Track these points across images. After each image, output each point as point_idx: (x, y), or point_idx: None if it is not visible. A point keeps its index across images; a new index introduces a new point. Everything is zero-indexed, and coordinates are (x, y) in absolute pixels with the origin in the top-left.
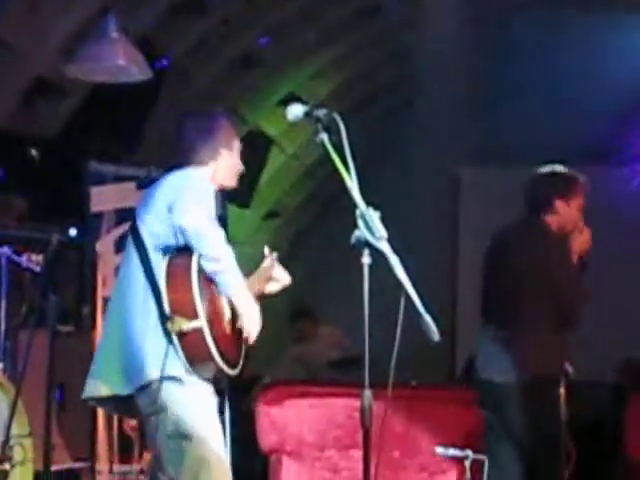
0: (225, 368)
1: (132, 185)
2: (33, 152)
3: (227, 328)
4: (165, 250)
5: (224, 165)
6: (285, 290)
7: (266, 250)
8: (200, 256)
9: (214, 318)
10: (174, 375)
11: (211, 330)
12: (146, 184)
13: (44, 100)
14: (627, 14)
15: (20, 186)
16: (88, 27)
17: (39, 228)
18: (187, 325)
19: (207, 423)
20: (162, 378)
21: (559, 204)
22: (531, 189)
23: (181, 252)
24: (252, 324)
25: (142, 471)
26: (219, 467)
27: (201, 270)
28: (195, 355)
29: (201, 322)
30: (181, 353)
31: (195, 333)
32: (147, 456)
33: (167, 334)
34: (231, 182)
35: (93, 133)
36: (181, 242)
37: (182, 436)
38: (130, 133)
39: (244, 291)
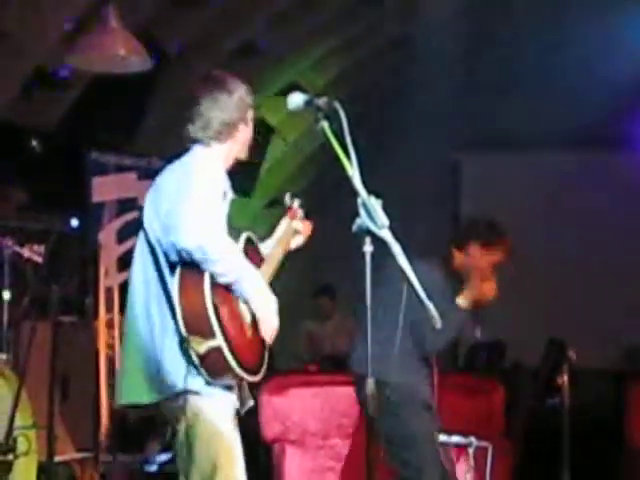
0: (247, 377)
1: (133, 175)
2: (34, 142)
3: (249, 331)
4: (175, 263)
5: (241, 138)
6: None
7: (287, 198)
8: (209, 272)
9: (233, 328)
10: (193, 389)
11: (230, 345)
12: (148, 174)
13: (45, 90)
14: None
15: (21, 177)
16: (88, 17)
17: (41, 219)
18: (204, 346)
19: (222, 436)
20: (184, 392)
21: (473, 249)
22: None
23: (192, 265)
24: (269, 326)
25: (146, 461)
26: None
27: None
28: (216, 371)
29: (218, 341)
30: (202, 370)
31: (214, 352)
32: (150, 446)
33: (185, 353)
34: (245, 154)
35: (94, 123)
36: (186, 258)
37: (193, 446)
38: (131, 123)
39: (260, 292)
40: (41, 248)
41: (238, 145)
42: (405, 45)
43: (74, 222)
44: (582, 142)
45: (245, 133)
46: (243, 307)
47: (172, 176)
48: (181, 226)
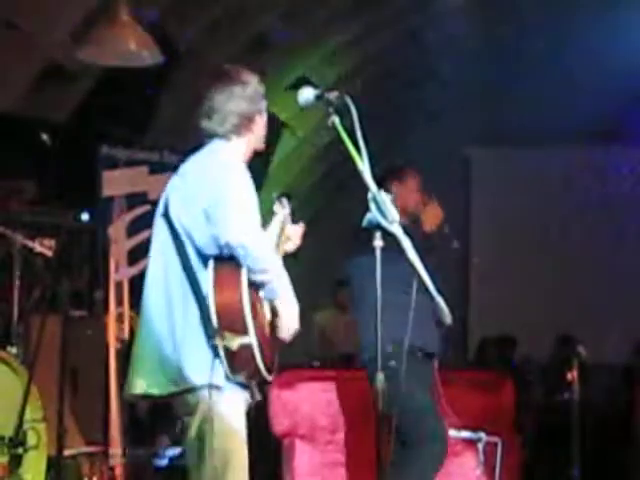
0: (267, 376)
1: (144, 169)
2: (44, 136)
3: (267, 331)
4: (207, 257)
5: (259, 130)
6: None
7: (276, 206)
8: (247, 269)
9: (258, 327)
10: (216, 384)
11: (260, 345)
12: (159, 168)
13: (55, 84)
14: None
15: (32, 171)
16: (99, 11)
17: (51, 213)
18: (237, 342)
19: (236, 432)
20: (204, 386)
21: (395, 185)
22: None
23: (227, 259)
24: (291, 327)
25: (155, 455)
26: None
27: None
28: (241, 369)
29: (251, 339)
30: (226, 365)
31: (244, 349)
32: (160, 440)
33: (213, 346)
34: (261, 144)
35: (104, 117)
36: (225, 252)
37: (211, 445)
38: (142, 117)
39: (289, 293)
40: (51, 242)
41: (256, 137)
42: (415, 41)
43: (85, 216)
44: (592, 137)
45: (261, 124)
46: (265, 307)
47: (200, 167)
48: (226, 221)
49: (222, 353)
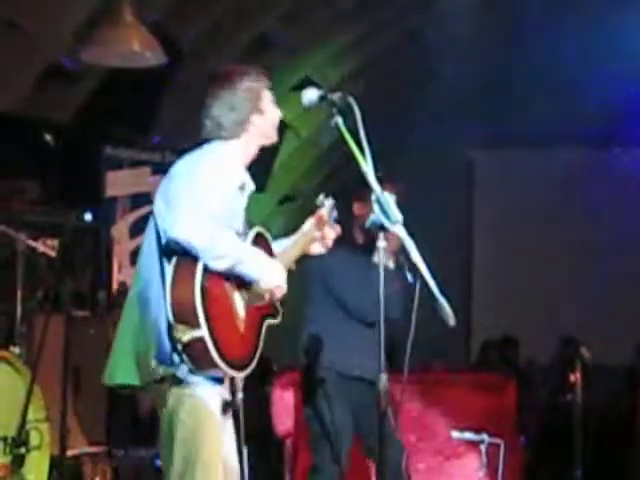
0: (230, 371)
1: (147, 170)
2: (48, 137)
3: (241, 327)
4: (171, 252)
5: (258, 129)
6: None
7: (319, 199)
8: (203, 259)
9: (222, 322)
10: (177, 376)
11: (214, 337)
12: (162, 169)
13: (59, 85)
14: None
15: (35, 171)
16: (103, 12)
17: (54, 213)
18: (188, 335)
19: (205, 426)
20: (167, 378)
21: (357, 206)
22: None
23: (189, 255)
24: (278, 291)
25: (157, 455)
26: (208, 472)
27: (207, 271)
28: (199, 362)
29: (202, 332)
30: (186, 359)
31: (197, 342)
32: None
33: (171, 340)
34: (272, 138)
35: (108, 118)
36: (179, 248)
37: (177, 438)
38: (145, 118)
39: (263, 269)
40: (55, 242)
41: (256, 136)
42: (419, 41)
43: (88, 216)
44: (594, 139)
45: (263, 121)
46: (238, 303)
47: (184, 166)
48: (172, 216)
49: (178, 346)
